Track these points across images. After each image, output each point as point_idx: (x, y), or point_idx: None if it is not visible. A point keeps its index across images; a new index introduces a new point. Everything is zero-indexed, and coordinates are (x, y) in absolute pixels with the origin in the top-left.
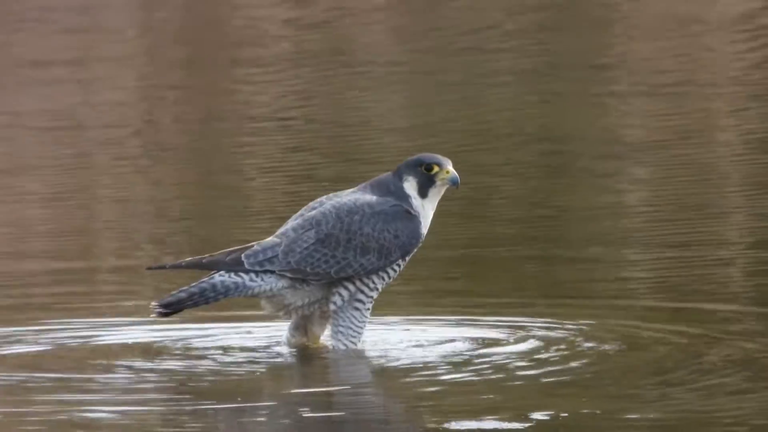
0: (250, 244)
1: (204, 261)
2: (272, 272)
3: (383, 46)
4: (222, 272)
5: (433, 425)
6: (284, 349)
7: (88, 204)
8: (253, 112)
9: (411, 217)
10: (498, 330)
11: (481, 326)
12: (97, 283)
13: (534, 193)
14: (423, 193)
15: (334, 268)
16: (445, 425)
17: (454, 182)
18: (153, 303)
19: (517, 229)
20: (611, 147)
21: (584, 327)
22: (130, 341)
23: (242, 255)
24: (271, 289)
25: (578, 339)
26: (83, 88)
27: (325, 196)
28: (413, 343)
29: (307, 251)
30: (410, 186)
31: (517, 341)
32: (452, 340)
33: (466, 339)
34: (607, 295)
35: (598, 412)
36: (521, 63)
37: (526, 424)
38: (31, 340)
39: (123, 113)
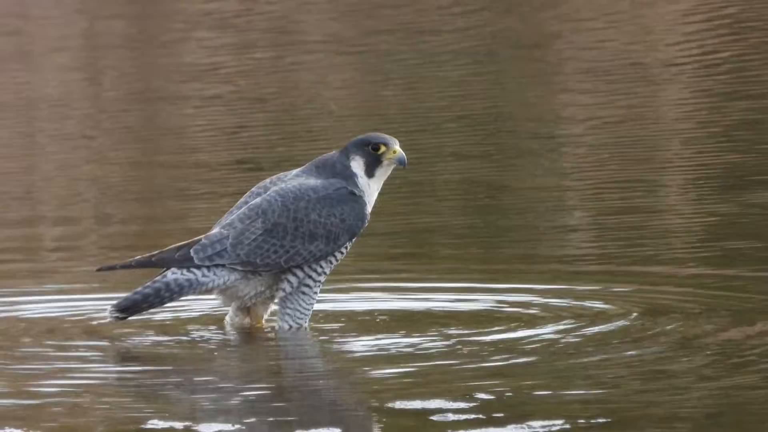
0: (197, 238)
1: (153, 259)
2: (223, 266)
3: (329, 25)
4: (174, 269)
5: (376, 404)
6: (229, 330)
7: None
8: (197, 92)
9: (356, 199)
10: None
11: (425, 301)
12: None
13: (478, 172)
14: (370, 172)
15: (284, 257)
16: (389, 404)
17: (401, 162)
18: (109, 307)
19: (460, 210)
20: (554, 126)
21: (533, 302)
22: (61, 315)
23: (191, 250)
24: (224, 283)
25: (525, 315)
26: (25, 68)
27: (269, 180)
28: (359, 320)
29: (256, 243)
30: (357, 165)
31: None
32: (400, 316)
33: (413, 315)
34: (551, 269)
35: (545, 392)
36: (467, 44)
37: (471, 404)
38: None
39: (65, 92)
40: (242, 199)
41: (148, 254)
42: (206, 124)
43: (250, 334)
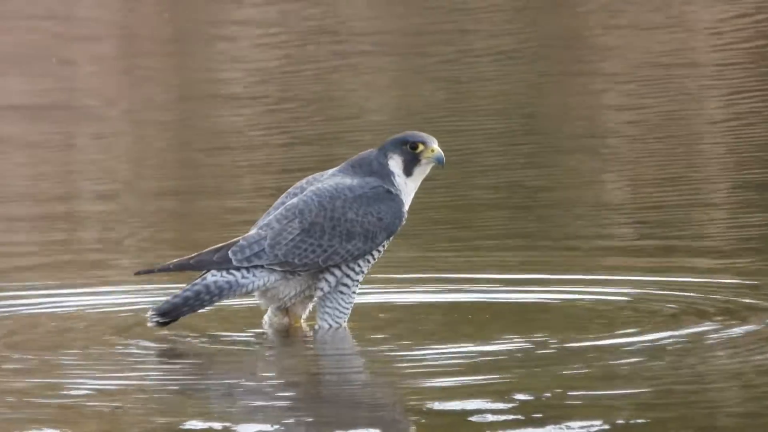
0: (235, 240)
1: (192, 262)
2: (262, 266)
3: (368, 24)
4: (213, 272)
5: (415, 404)
6: (267, 330)
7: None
8: (237, 91)
9: (392, 197)
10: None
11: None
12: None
13: (517, 172)
14: (408, 171)
15: (322, 257)
16: (428, 405)
17: (439, 161)
18: (150, 312)
19: (501, 212)
20: (594, 127)
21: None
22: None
23: (229, 252)
24: (264, 284)
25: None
26: (62, 68)
27: (305, 180)
28: (397, 319)
29: (293, 242)
30: (395, 164)
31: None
32: (436, 313)
33: (451, 312)
34: (588, 264)
35: (581, 393)
36: (507, 44)
37: (510, 405)
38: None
39: (101, 89)
40: (279, 200)
41: (186, 257)
42: (245, 123)
43: (288, 334)
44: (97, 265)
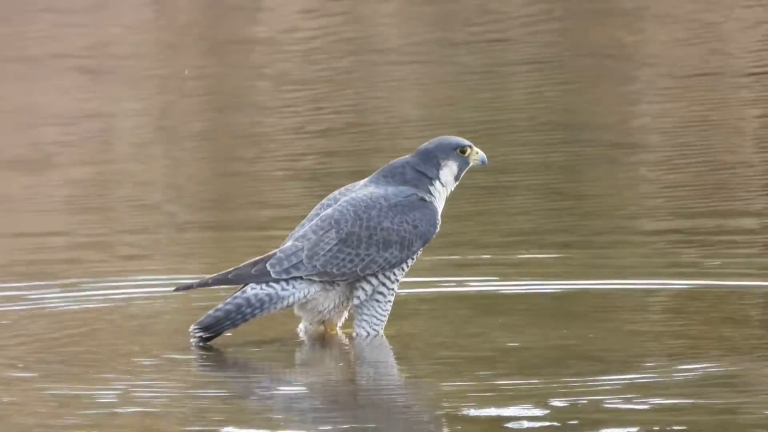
0: (272, 252)
1: (230, 276)
2: (301, 278)
3: (400, 34)
4: (252, 285)
5: (450, 411)
6: (302, 338)
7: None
8: (273, 100)
9: (427, 205)
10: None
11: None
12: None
13: (553, 181)
14: (458, 176)
15: (360, 266)
16: (464, 412)
17: (483, 161)
18: (192, 327)
19: (537, 220)
20: (628, 135)
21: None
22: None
23: (267, 264)
24: (304, 296)
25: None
26: (98, 77)
27: (338, 191)
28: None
29: (331, 252)
30: (449, 171)
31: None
32: (474, 319)
33: (487, 317)
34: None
35: (616, 399)
36: (541, 52)
37: (546, 411)
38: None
39: (141, 101)
40: (312, 212)
41: (224, 271)
42: (281, 132)
43: (324, 342)
44: (132, 268)
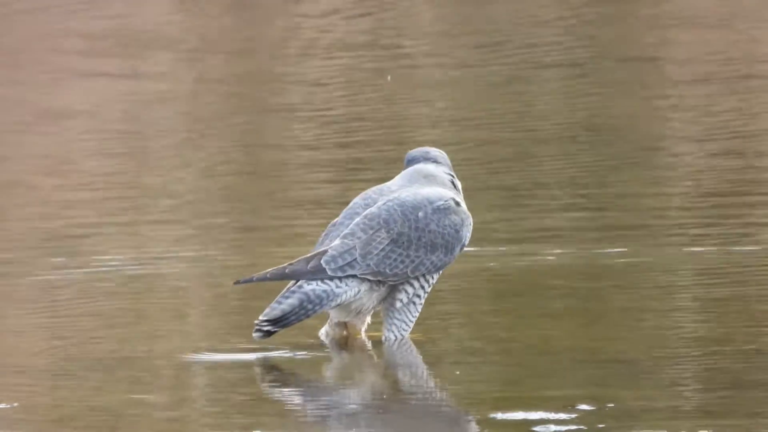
0: (322, 250)
1: (287, 271)
2: (354, 276)
3: (427, 37)
4: (306, 282)
5: (477, 415)
6: (326, 342)
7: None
8: (300, 103)
9: (463, 210)
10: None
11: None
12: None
13: (580, 181)
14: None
15: (410, 267)
16: (491, 415)
17: None
18: (260, 319)
19: (567, 219)
20: (658, 139)
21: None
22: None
23: (322, 261)
24: (355, 294)
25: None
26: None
27: (371, 190)
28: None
29: (384, 252)
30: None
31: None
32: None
33: (516, 316)
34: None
35: (644, 402)
36: (568, 55)
37: (573, 415)
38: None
39: (172, 105)
40: (348, 211)
41: (281, 266)
42: (309, 134)
43: (350, 346)
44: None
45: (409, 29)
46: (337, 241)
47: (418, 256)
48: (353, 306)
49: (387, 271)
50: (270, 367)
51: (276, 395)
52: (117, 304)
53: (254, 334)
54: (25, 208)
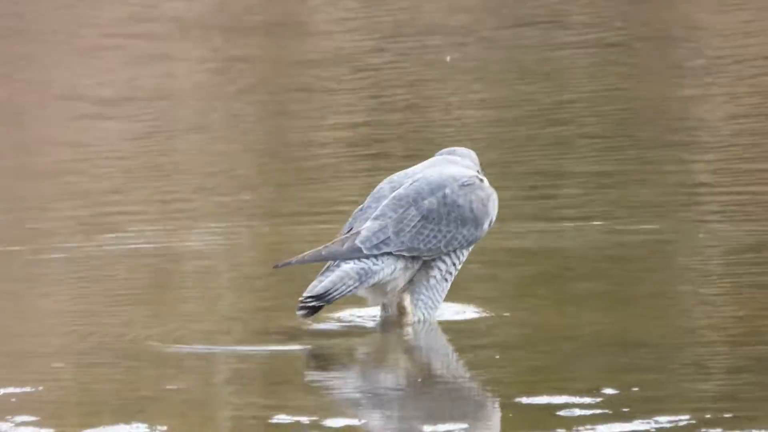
0: (355, 232)
1: (324, 253)
2: (389, 254)
3: (457, 18)
4: (345, 261)
5: (502, 399)
6: (377, 322)
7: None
8: (323, 89)
9: (485, 186)
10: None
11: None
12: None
13: (609, 166)
14: None
15: (443, 242)
16: (516, 399)
17: None
18: (304, 296)
19: (586, 200)
20: (688, 122)
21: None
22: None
23: (357, 241)
24: (391, 272)
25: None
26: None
27: (395, 175)
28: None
29: (416, 229)
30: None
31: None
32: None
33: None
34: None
35: (669, 386)
36: (600, 35)
37: (598, 399)
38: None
39: (196, 84)
40: (375, 194)
41: (318, 248)
42: (331, 122)
43: (386, 327)
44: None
45: (432, 10)
46: (368, 223)
47: (449, 231)
48: (389, 286)
49: (421, 246)
50: (292, 351)
51: (293, 378)
52: (147, 286)
53: (298, 312)
54: (57, 192)
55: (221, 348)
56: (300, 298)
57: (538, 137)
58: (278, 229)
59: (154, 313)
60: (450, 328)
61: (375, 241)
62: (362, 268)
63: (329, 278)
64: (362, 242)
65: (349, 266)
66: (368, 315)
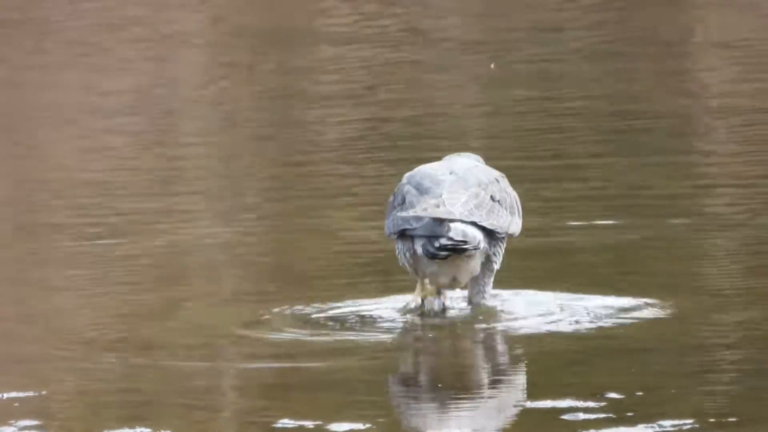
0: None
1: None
2: (482, 229)
3: (455, 22)
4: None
5: (507, 403)
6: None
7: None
8: (326, 90)
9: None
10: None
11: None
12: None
13: (607, 169)
14: None
15: (507, 223)
16: (520, 403)
17: None
18: (454, 238)
19: (593, 204)
20: (691, 124)
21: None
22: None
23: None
24: (483, 247)
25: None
26: (156, 65)
27: (410, 172)
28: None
29: (490, 205)
30: None
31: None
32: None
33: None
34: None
35: (672, 390)
36: (598, 40)
37: (602, 403)
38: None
39: (198, 89)
40: (426, 179)
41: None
42: (337, 123)
43: (378, 329)
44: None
45: (435, 12)
46: (432, 201)
47: (508, 215)
48: (469, 266)
49: (497, 222)
50: (302, 352)
51: (296, 381)
52: (151, 290)
53: (439, 253)
54: (59, 193)
55: (226, 351)
56: (442, 241)
57: (539, 141)
58: (282, 235)
59: (158, 317)
60: (453, 331)
61: (468, 216)
62: (473, 231)
63: (473, 230)
64: (461, 214)
65: (461, 227)
66: (370, 316)
